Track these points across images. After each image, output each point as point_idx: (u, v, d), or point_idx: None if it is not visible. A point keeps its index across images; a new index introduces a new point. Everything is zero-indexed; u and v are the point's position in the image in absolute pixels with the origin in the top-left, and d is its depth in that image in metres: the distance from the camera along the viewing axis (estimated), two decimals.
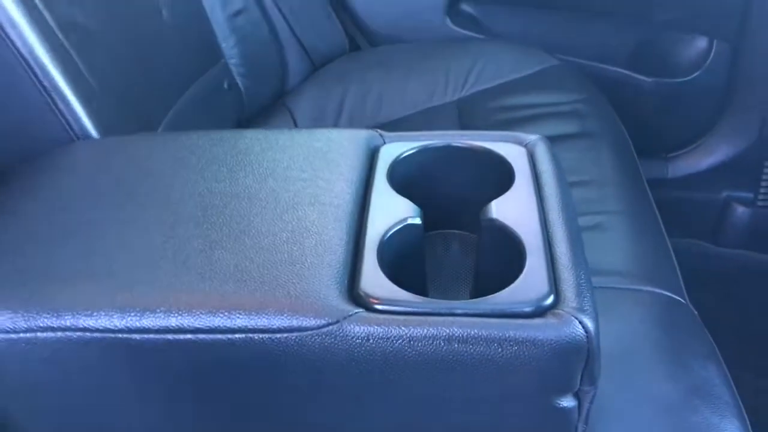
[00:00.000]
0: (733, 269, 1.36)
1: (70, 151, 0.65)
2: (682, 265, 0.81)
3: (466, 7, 1.33)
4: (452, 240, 0.64)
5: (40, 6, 0.70)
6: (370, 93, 1.17)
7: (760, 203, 1.34)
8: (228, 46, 1.12)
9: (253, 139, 0.65)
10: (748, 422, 0.59)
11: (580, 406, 0.49)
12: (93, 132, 0.71)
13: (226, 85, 1.11)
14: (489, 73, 1.18)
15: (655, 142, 1.34)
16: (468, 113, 1.09)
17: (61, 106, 0.69)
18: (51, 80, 0.69)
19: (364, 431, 0.51)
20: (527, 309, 0.47)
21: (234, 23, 1.13)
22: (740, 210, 1.36)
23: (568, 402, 0.48)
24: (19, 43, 0.67)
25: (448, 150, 0.61)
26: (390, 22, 1.32)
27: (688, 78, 1.29)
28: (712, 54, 1.26)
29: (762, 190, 1.33)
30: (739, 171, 1.34)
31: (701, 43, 1.27)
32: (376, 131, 0.65)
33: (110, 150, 0.65)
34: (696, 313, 0.70)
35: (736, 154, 1.33)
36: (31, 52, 0.68)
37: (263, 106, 1.20)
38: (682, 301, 0.71)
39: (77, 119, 0.70)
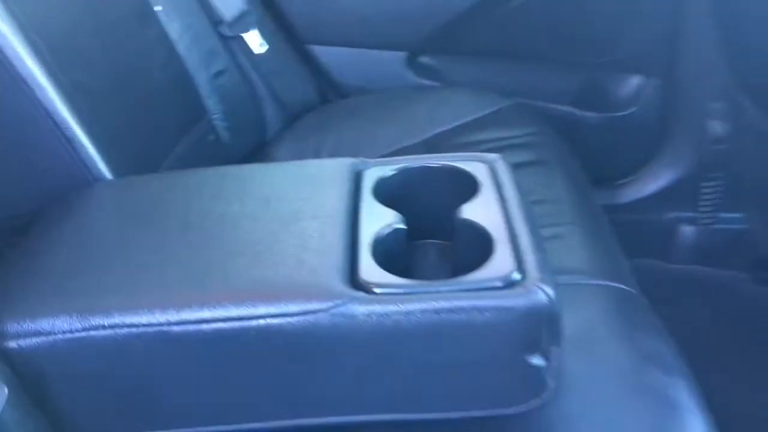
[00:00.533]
0: (683, 283, 1.48)
1: (96, 190, 0.75)
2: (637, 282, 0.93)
3: (424, 59, 1.47)
4: (431, 248, 0.74)
5: (58, 69, 0.81)
6: (344, 140, 1.28)
7: (702, 222, 1.48)
8: (212, 103, 1.23)
9: (254, 170, 0.75)
10: (693, 383, 0.70)
11: (547, 363, 0.58)
12: (107, 174, 0.81)
13: (211, 138, 1.22)
14: (450, 116, 1.30)
15: (604, 172, 1.47)
16: (435, 150, 1.21)
17: (80, 152, 0.79)
18: (70, 131, 0.79)
19: (369, 397, 0.60)
20: (499, 283, 0.57)
21: (216, 82, 1.24)
22: (685, 229, 1.50)
23: (537, 360, 0.58)
24: (44, 101, 0.77)
25: (424, 169, 0.72)
26: (357, 76, 1.45)
27: (628, 112, 1.44)
28: (646, 90, 1.41)
29: (702, 210, 1.47)
30: (681, 193, 1.47)
31: (636, 80, 1.43)
32: (360, 158, 0.76)
33: (130, 187, 0.75)
34: (646, 300, 0.81)
35: (677, 178, 1.47)
36: (54, 107, 0.78)
37: (245, 156, 1.30)
38: (633, 291, 0.82)
39: (93, 163, 0.80)
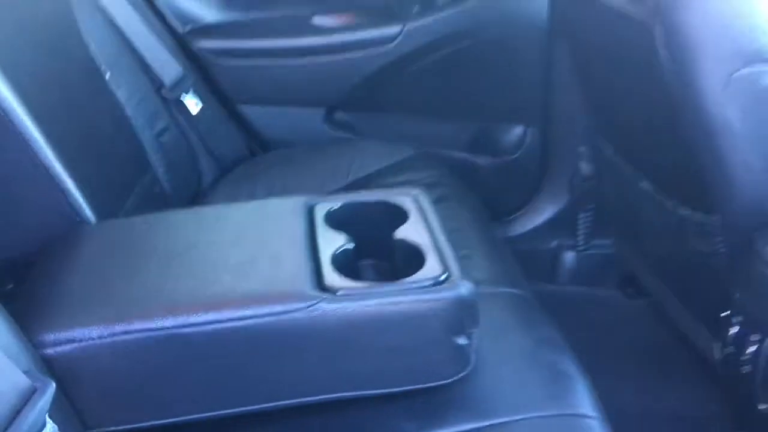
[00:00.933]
0: (566, 300, 1.72)
1: (92, 229, 0.89)
2: None
3: (340, 115, 1.68)
4: (371, 266, 0.93)
5: (45, 124, 0.95)
6: (274, 188, 1.45)
7: (579, 248, 1.73)
8: (156, 158, 1.37)
9: (224, 209, 0.92)
10: (576, 359, 0.91)
11: (469, 341, 0.78)
12: (92, 217, 0.95)
13: (157, 190, 1.36)
14: (365, 164, 1.50)
15: (497, 208, 1.71)
16: None
17: (69, 197, 0.93)
18: (60, 178, 0.92)
19: (336, 378, 0.77)
20: (431, 282, 0.77)
21: (159, 140, 1.39)
22: (566, 254, 1.75)
23: (462, 340, 0.77)
24: (39, 153, 0.91)
25: (364, 203, 0.91)
26: (281, 131, 1.63)
27: (513, 156, 1.69)
28: (527, 137, 1.68)
29: (578, 238, 1.72)
30: (561, 224, 1.72)
31: (519, 130, 1.68)
32: (310, 196, 0.94)
33: (120, 227, 0.90)
34: (537, 302, 1.03)
35: (556, 211, 1.73)
36: (47, 158, 0.92)
37: (184, 205, 1.45)
38: (527, 294, 1.04)
39: (81, 207, 0.94)
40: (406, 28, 1.57)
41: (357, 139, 1.66)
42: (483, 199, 1.51)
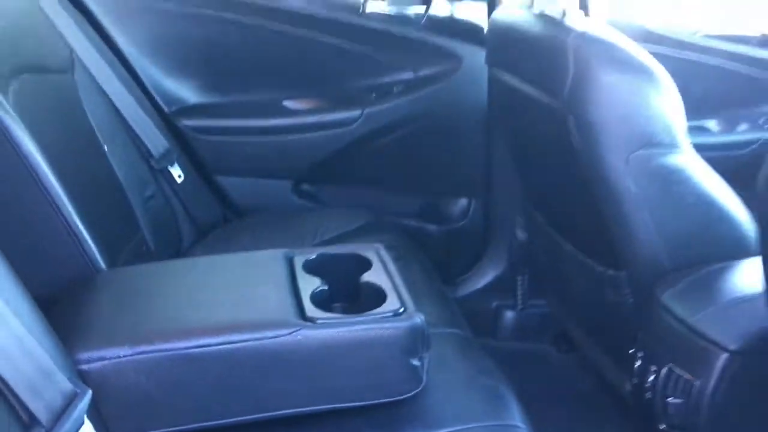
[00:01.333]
0: (507, 355, 1.91)
1: (108, 274, 1.06)
2: None
3: (305, 187, 1.89)
4: (339, 308, 1.11)
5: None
6: (247, 249, 1.63)
7: (518, 308, 1.94)
8: (144, 221, 1.54)
9: (217, 259, 1.10)
10: (510, 385, 1.11)
11: (421, 363, 0.97)
12: (102, 264, 1.11)
13: (144, 249, 1.53)
14: (328, 229, 1.70)
15: (445, 271, 1.91)
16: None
17: (83, 244, 1.10)
18: (80, 231, 1.09)
19: (314, 393, 0.94)
20: (392, 314, 0.96)
21: (147, 205, 1.57)
22: (507, 313, 1.95)
23: (416, 362, 0.96)
24: (58, 203, 1.08)
25: (335, 254, 1.11)
26: (252, 199, 1.83)
27: (459, 225, 1.92)
28: (471, 208, 1.91)
29: (517, 298, 1.93)
30: (502, 286, 1.94)
31: (463, 201, 1.92)
32: (289, 249, 1.13)
33: (132, 272, 1.08)
34: (475, 340, 1.23)
35: (498, 274, 1.94)
36: (65, 207, 1.09)
37: None
38: (468, 334, 1.24)
39: (93, 255, 1.10)
40: (365, 112, 1.81)
41: (321, 207, 1.86)
42: (432, 263, 1.72)
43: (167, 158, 1.65)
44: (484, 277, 1.95)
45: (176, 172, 1.67)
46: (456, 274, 1.95)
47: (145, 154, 1.61)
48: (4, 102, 1.06)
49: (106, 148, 1.47)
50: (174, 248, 1.65)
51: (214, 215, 1.78)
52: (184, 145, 1.75)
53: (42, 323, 0.83)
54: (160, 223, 1.59)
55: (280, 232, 1.70)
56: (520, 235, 1.85)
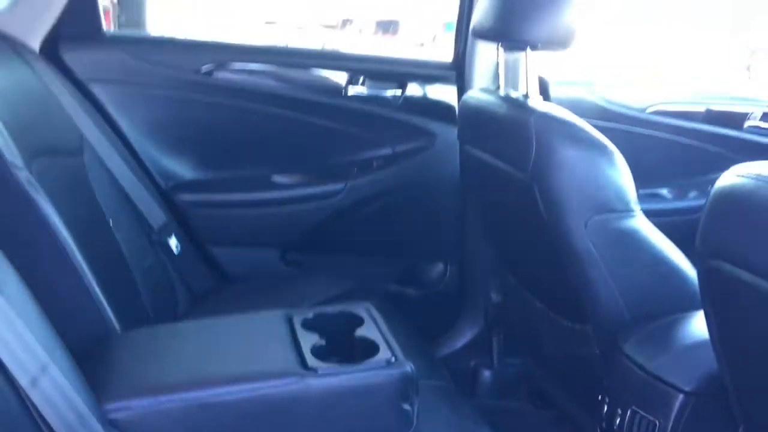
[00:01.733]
0: (485, 413, 2.01)
1: (129, 334, 1.17)
2: None
3: (292, 255, 2.01)
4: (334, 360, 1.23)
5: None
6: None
7: (494, 366, 2.06)
8: (144, 291, 1.65)
9: (223, 320, 1.22)
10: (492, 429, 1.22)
11: (412, 408, 1.08)
12: (117, 325, 1.22)
13: (143, 315, 1.63)
14: (315, 294, 1.82)
15: (425, 333, 2.03)
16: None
17: (100, 307, 1.21)
18: (96, 295, 1.21)
19: None
20: (385, 363, 1.08)
21: (146, 274, 1.67)
22: (485, 372, 2.06)
23: (407, 406, 1.08)
24: (80, 272, 1.19)
25: (332, 314, 1.23)
26: (243, 268, 1.95)
27: (436, 288, 2.05)
28: (447, 272, 2.04)
29: (494, 357, 2.05)
30: (479, 346, 2.05)
31: (440, 266, 2.06)
32: (288, 310, 1.25)
33: (146, 332, 1.18)
34: (456, 389, 1.35)
35: (475, 335, 2.06)
36: (88, 277, 1.20)
37: None
38: (451, 386, 1.35)
39: (109, 316, 1.21)
40: (348, 185, 1.96)
41: (307, 274, 1.99)
42: (412, 325, 1.83)
43: (165, 231, 1.77)
44: (462, 337, 2.06)
45: (173, 243, 1.78)
46: (435, 335, 2.07)
47: (145, 227, 1.73)
48: (34, 181, 1.18)
49: (111, 222, 1.59)
50: (170, 315, 1.75)
51: (207, 283, 1.89)
52: (180, 218, 1.87)
53: (79, 376, 0.94)
54: (157, 291, 1.70)
55: (270, 299, 1.81)
56: (495, 296, 1.97)
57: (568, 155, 1.35)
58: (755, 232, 0.86)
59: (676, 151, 2.10)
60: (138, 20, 3.14)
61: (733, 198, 0.89)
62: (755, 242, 0.87)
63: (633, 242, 1.37)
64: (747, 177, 0.87)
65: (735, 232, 0.90)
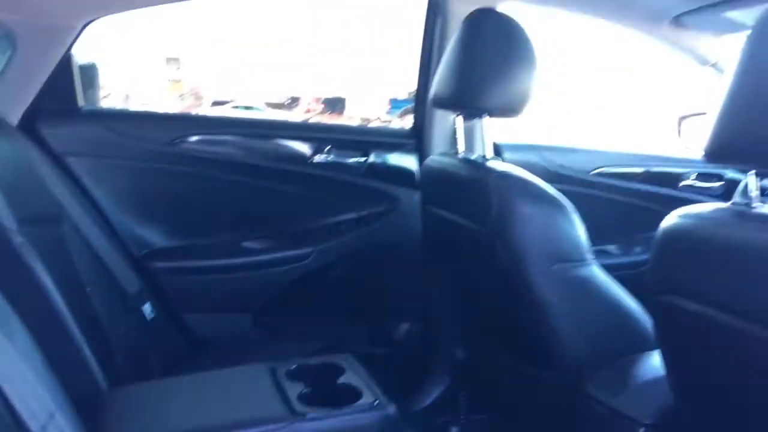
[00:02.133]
0: None
1: (114, 393, 1.21)
2: None
3: (263, 319, 2.06)
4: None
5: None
6: None
7: (461, 422, 2.11)
8: (119, 355, 1.67)
9: (209, 373, 1.27)
10: None
11: None
12: (103, 383, 1.25)
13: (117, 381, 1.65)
14: (288, 357, 1.86)
15: (392, 391, 2.07)
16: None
17: (88, 365, 1.24)
18: (85, 354, 1.24)
19: None
20: (369, 407, 1.14)
21: (122, 340, 1.70)
22: (452, 428, 2.11)
23: None
24: (72, 333, 1.23)
25: (314, 365, 1.29)
26: (215, 332, 1.99)
27: (404, 347, 2.11)
28: (413, 330, 2.12)
29: (461, 413, 2.11)
30: (447, 402, 2.11)
31: (407, 325, 2.13)
32: (271, 362, 1.30)
33: (134, 389, 1.22)
34: None
35: (442, 392, 2.12)
36: (78, 339, 1.24)
37: None
38: None
39: (98, 373, 1.25)
40: (316, 249, 2.03)
41: (278, 337, 2.03)
42: (382, 383, 1.89)
43: (140, 297, 1.81)
44: (430, 394, 2.12)
45: (147, 310, 1.82)
46: (405, 393, 2.12)
47: (120, 294, 1.77)
48: (28, 245, 1.23)
49: (88, 289, 1.63)
50: (145, 379, 1.77)
51: (180, 348, 1.92)
52: (153, 285, 1.91)
53: (80, 425, 0.98)
54: (132, 356, 1.72)
55: (245, 363, 1.85)
56: (460, 353, 2.04)
57: (527, 211, 1.46)
58: (699, 266, 0.98)
59: (620, 210, 2.24)
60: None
61: (678, 236, 1.00)
62: (700, 274, 0.98)
63: (590, 288, 1.47)
64: (688, 217, 0.99)
65: (682, 266, 1.01)
